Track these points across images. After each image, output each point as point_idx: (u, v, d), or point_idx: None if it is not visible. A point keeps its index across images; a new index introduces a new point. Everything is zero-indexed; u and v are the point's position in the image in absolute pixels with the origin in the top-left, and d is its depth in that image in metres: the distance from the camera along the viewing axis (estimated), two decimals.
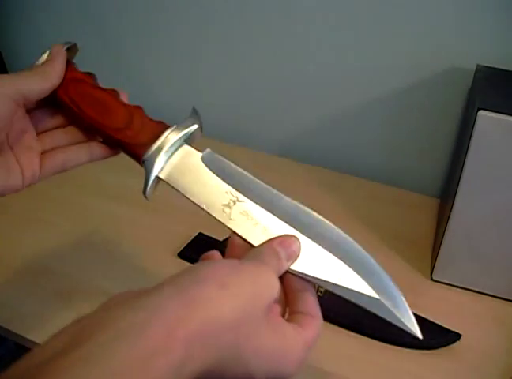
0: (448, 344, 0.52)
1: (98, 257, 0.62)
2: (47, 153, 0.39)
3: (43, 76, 0.37)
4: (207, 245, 0.63)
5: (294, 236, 0.34)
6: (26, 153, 0.38)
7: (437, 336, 0.53)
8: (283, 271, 0.33)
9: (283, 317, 0.32)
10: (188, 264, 0.61)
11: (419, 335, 0.34)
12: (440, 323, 0.54)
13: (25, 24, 0.97)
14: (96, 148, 0.40)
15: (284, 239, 0.33)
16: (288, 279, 0.34)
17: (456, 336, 0.52)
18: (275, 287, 0.30)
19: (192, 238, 0.64)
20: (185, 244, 0.63)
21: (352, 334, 0.54)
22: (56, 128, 0.41)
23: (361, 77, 0.77)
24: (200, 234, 0.65)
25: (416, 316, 0.55)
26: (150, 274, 0.59)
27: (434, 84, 0.73)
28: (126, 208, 0.71)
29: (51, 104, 0.40)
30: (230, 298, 0.26)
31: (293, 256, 0.33)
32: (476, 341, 0.53)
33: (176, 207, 0.72)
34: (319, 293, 0.52)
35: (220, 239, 0.62)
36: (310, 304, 0.33)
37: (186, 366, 0.23)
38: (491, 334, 0.55)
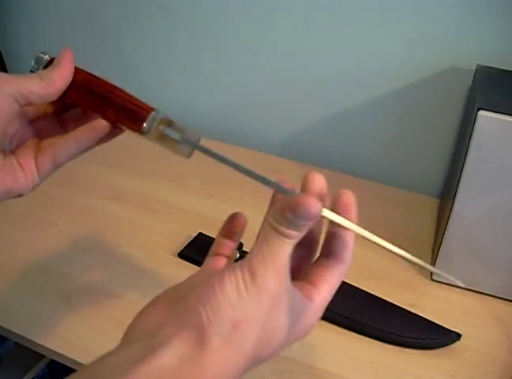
0: (448, 344, 0.52)
1: (98, 257, 0.62)
2: (38, 153, 0.39)
3: (48, 83, 0.37)
4: (207, 245, 0.63)
5: (307, 197, 0.30)
6: (25, 154, 0.38)
7: (437, 336, 0.53)
8: (305, 231, 0.30)
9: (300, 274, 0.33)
10: (188, 264, 0.61)
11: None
12: (440, 323, 0.54)
13: (25, 24, 0.97)
14: (82, 134, 0.39)
15: (293, 205, 0.29)
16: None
17: (456, 336, 0.52)
18: (283, 288, 0.29)
19: (192, 238, 0.64)
20: (185, 244, 0.63)
21: (352, 334, 0.54)
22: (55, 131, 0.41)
23: (361, 77, 0.77)
24: (200, 234, 0.65)
25: (416, 316, 0.55)
26: (150, 274, 0.59)
27: (434, 84, 0.73)
28: (126, 208, 0.71)
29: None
30: (245, 335, 0.28)
31: (312, 216, 0.29)
32: (476, 341, 0.53)
33: (176, 207, 0.72)
34: None
35: None
36: (343, 247, 0.33)
37: None
38: (491, 334, 0.55)
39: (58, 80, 0.37)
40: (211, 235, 0.65)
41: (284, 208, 0.29)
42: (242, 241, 0.61)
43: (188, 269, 0.60)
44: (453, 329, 0.53)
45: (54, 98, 0.38)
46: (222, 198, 0.74)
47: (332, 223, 0.32)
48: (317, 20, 0.75)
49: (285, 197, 0.32)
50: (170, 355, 0.26)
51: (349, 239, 0.33)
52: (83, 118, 0.41)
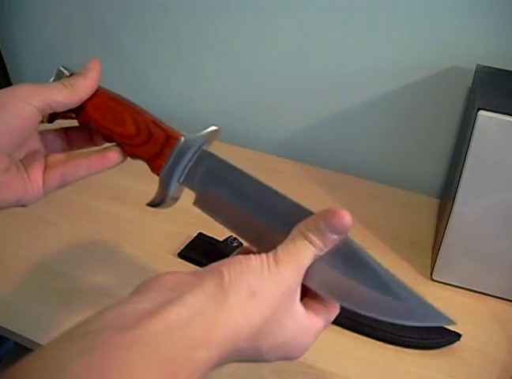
0: (448, 344, 0.52)
1: (98, 257, 0.62)
2: (47, 169, 0.40)
3: (73, 91, 0.37)
4: (207, 245, 0.64)
5: (343, 210, 0.32)
6: (33, 166, 0.39)
7: (437, 336, 0.53)
8: (328, 246, 0.32)
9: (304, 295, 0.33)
10: (188, 264, 0.61)
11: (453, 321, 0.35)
12: None
13: (25, 24, 0.97)
14: (94, 161, 0.40)
15: (328, 214, 0.31)
16: None
17: (456, 336, 0.52)
18: (296, 288, 0.31)
19: (192, 238, 0.64)
20: (185, 244, 0.63)
21: (352, 334, 0.54)
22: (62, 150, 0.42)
23: (361, 77, 0.77)
24: (200, 234, 0.65)
25: None
26: (150, 274, 0.59)
27: (434, 84, 0.73)
28: (126, 208, 0.71)
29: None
30: (256, 307, 0.29)
31: (341, 229, 0.31)
32: (476, 341, 0.54)
33: (176, 207, 0.72)
34: None
35: (220, 239, 0.62)
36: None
37: (216, 363, 0.27)
38: (491, 334, 0.55)
39: (83, 89, 0.38)
40: (211, 235, 0.65)
41: (319, 217, 0.32)
42: (242, 241, 0.61)
43: (188, 269, 0.59)
44: (453, 329, 0.53)
45: (75, 106, 0.38)
46: None
47: None
48: (316, 20, 0.75)
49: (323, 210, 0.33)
50: (180, 309, 0.27)
51: None
52: (89, 140, 0.42)
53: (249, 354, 0.30)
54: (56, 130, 0.42)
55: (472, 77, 0.64)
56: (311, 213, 0.33)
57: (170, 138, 0.38)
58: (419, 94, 0.75)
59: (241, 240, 0.60)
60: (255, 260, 0.30)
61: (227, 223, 0.36)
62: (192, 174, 0.37)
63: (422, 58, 0.72)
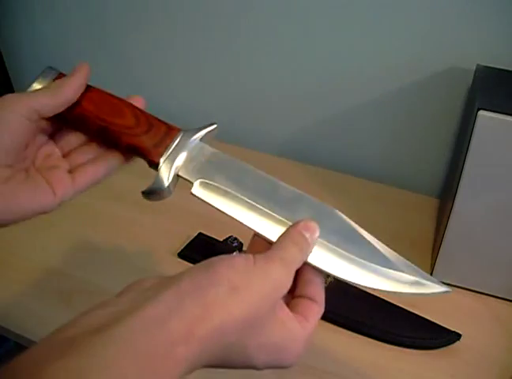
0: (448, 344, 0.52)
1: (98, 257, 0.62)
2: (77, 168, 0.39)
3: (57, 92, 0.37)
4: (207, 245, 0.64)
5: (313, 220, 0.34)
6: (54, 173, 0.38)
7: (437, 336, 0.53)
8: (310, 252, 0.33)
9: (287, 302, 0.33)
10: (188, 264, 0.61)
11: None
12: (440, 323, 0.54)
13: (26, 24, 0.97)
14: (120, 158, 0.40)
15: (306, 223, 0.33)
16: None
17: (456, 336, 0.52)
18: (284, 286, 0.31)
19: (192, 238, 0.64)
20: (185, 244, 0.63)
21: (352, 334, 0.54)
22: (81, 145, 0.41)
23: (361, 77, 0.77)
24: (200, 234, 0.65)
25: (416, 316, 0.55)
26: (150, 274, 0.59)
27: (434, 84, 0.73)
28: (126, 208, 0.71)
29: (64, 121, 0.40)
30: (239, 302, 0.28)
31: (315, 238, 0.33)
32: (476, 341, 0.54)
33: (176, 207, 0.72)
34: None
35: (220, 239, 0.62)
36: (318, 290, 0.34)
37: (199, 360, 0.26)
38: (491, 334, 0.55)
39: (68, 90, 0.37)
40: (211, 235, 0.65)
41: (300, 228, 0.33)
42: (242, 241, 0.61)
43: None
44: (453, 329, 0.53)
45: (63, 108, 0.37)
46: None
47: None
48: (317, 20, 0.75)
49: None
50: (157, 306, 0.26)
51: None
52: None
53: (236, 352, 0.29)
54: (67, 128, 0.41)
55: (472, 77, 0.64)
56: (311, 199, 0.36)
57: (171, 129, 0.38)
58: (419, 94, 0.75)
59: (240, 240, 0.60)
60: (239, 258, 0.30)
61: (226, 210, 0.36)
62: (190, 165, 0.37)
63: (422, 58, 0.72)
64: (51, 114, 0.37)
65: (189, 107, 0.93)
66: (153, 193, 0.38)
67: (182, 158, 0.37)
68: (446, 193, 0.68)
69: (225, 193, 0.36)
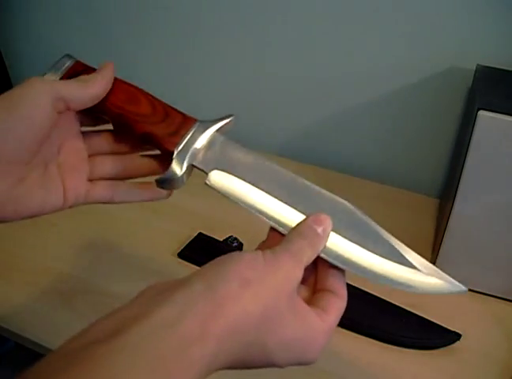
0: (448, 344, 0.52)
1: (98, 257, 0.62)
2: (97, 184, 0.38)
3: (88, 85, 0.35)
4: (207, 245, 0.64)
5: (324, 213, 0.33)
6: (73, 175, 0.37)
7: (437, 336, 0.53)
8: (322, 246, 0.33)
9: (308, 299, 0.32)
10: (188, 264, 0.61)
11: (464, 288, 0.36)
12: (440, 323, 0.54)
13: (25, 24, 0.97)
14: (147, 194, 0.40)
15: (317, 217, 0.33)
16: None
17: (456, 336, 0.52)
18: (295, 278, 0.30)
19: (192, 238, 0.64)
20: (185, 244, 0.63)
21: (353, 334, 0.54)
22: (110, 153, 0.40)
23: (361, 78, 0.77)
24: (200, 234, 0.65)
25: (416, 316, 0.55)
26: (150, 274, 0.59)
27: (434, 84, 0.73)
28: (126, 208, 0.71)
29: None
30: (253, 296, 0.27)
31: (328, 231, 0.33)
32: (476, 341, 0.53)
33: (176, 207, 0.72)
34: None
35: (220, 239, 0.62)
36: (339, 283, 0.33)
37: (217, 359, 0.26)
38: (491, 334, 0.55)
39: (97, 84, 0.36)
40: (211, 235, 0.65)
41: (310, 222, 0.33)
42: (242, 242, 0.61)
43: (188, 269, 0.60)
44: (453, 329, 0.53)
45: (91, 103, 0.36)
46: (222, 198, 0.74)
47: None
48: (316, 20, 0.75)
49: None
50: (168, 308, 0.26)
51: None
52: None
53: (256, 351, 0.28)
54: (100, 131, 0.40)
55: (472, 77, 0.64)
56: (326, 193, 0.36)
57: (187, 119, 0.38)
58: (420, 94, 0.75)
59: (240, 240, 0.60)
60: (248, 254, 0.29)
61: (240, 201, 0.35)
62: (205, 156, 0.37)
63: (422, 58, 0.72)
64: (78, 108, 0.36)
65: (188, 107, 0.92)
66: (167, 181, 0.37)
67: (197, 148, 0.37)
68: (446, 193, 0.68)
69: (240, 185, 0.36)
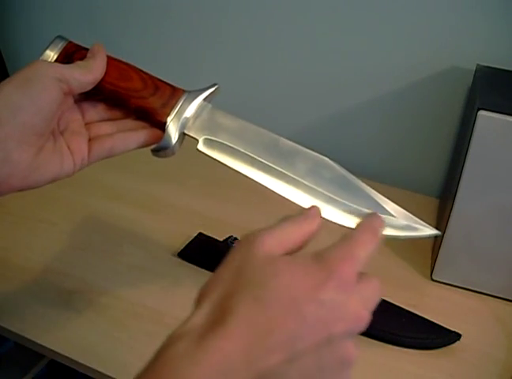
0: (448, 344, 0.52)
1: (98, 257, 0.62)
2: (96, 139, 0.41)
3: (88, 70, 0.39)
4: (207, 245, 0.64)
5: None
6: (76, 139, 0.40)
7: (437, 336, 0.53)
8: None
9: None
10: (188, 264, 0.61)
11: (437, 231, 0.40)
12: (440, 323, 0.54)
13: (25, 23, 0.97)
14: (142, 135, 0.42)
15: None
16: None
17: (456, 336, 0.52)
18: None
19: (192, 238, 0.64)
20: (185, 244, 0.63)
21: None
22: (102, 120, 0.42)
23: (361, 77, 0.77)
24: (200, 234, 0.65)
25: (416, 316, 0.55)
26: (150, 274, 0.59)
27: (434, 84, 0.73)
28: (126, 208, 0.71)
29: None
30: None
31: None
32: (476, 341, 0.53)
33: (176, 207, 0.72)
34: None
35: (220, 239, 0.62)
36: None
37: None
38: (491, 334, 0.55)
39: (95, 69, 0.39)
40: (211, 235, 0.65)
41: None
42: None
43: (188, 269, 0.60)
44: (453, 329, 0.53)
45: (91, 86, 0.39)
46: (222, 198, 0.74)
47: None
48: (316, 20, 0.75)
49: None
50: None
51: None
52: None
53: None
54: (92, 100, 0.42)
55: (472, 77, 0.64)
56: (308, 152, 0.40)
57: (176, 91, 0.41)
58: (419, 94, 0.75)
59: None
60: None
61: (230, 163, 0.39)
62: (195, 123, 0.40)
63: (422, 58, 0.72)
64: (79, 91, 0.39)
65: None
66: (161, 149, 0.40)
67: (187, 117, 0.40)
68: (446, 193, 0.68)
69: (228, 149, 0.39)
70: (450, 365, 0.51)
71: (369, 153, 0.84)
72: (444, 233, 0.58)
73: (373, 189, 0.41)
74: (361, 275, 0.29)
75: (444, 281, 0.61)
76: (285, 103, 0.85)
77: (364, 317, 0.29)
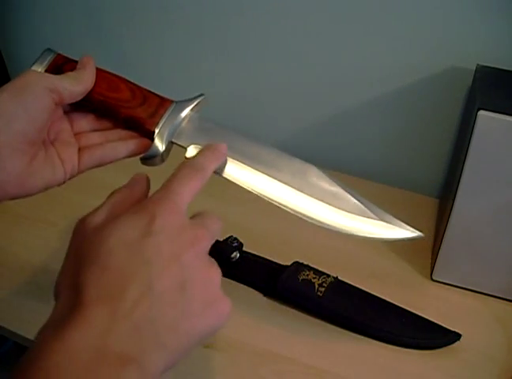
0: (448, 344, 0.52)
1: None
2: (86, 149, 0.41)
3: (78, 81, 0.39)
4: None
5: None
6: (65, 148, 0.40)
7: (437, 336, 0.53)
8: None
9: None
10: None
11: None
12: (440, 323, 0.54)
13: (25, 24, 0.97)
14: (132, 145, 0.42)
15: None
16: None
17: (456, 336, 0.52)
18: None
19: None
20: None
21: (352, 334, 0.54)
22: (92, 131, 0.43)
23: (361, 77, 0.77)
24: None
25: (416, 316, 0.55)
26: None
27: (435, 84, 0.73)
28: None
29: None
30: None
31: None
32: (476, 341, 0.53)
33: None
34: (319, 293, 0.52)
35: (220, 239, 0.62)
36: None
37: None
38: (491, 334, 0.55)
39: (85, 80, 0.40)
40: None
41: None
42: (242, 242, 0.61)
43: None
44: (453, 329, 0.53)
45: (81, 97, 0.40)
46: (222, 198, 0.74)
47: None
48: (316, 20, 0.75)
49: None
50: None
51: None
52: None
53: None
54: (81, 111, 0.43)
55: (472, 77, 0.64)
56: (290, 158, 0.41)
57: (164, 101, 0.42)
58: (419, 94, 0.75)
59: (240, 240, 0.60)
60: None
61: (217, 171, 0.40)
62: (183, 132, 0.42)
63: (422, 58, 0.72)
64: (69, 101, 0.39)
65: None
66: (149, 158, 0.41)
67: (175, 126, 0.41)
68: (446, 193, 0.68)
69: None
70: (450, 365, 0.51)
71: (369, 153, 0.84)
72: (444, 233, 0.58)
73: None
74: (197, 214, 0.33)
75: (444, 281, 0.61)
76: (285, 103, 0.85)
77: (203, 235, 0.32)
